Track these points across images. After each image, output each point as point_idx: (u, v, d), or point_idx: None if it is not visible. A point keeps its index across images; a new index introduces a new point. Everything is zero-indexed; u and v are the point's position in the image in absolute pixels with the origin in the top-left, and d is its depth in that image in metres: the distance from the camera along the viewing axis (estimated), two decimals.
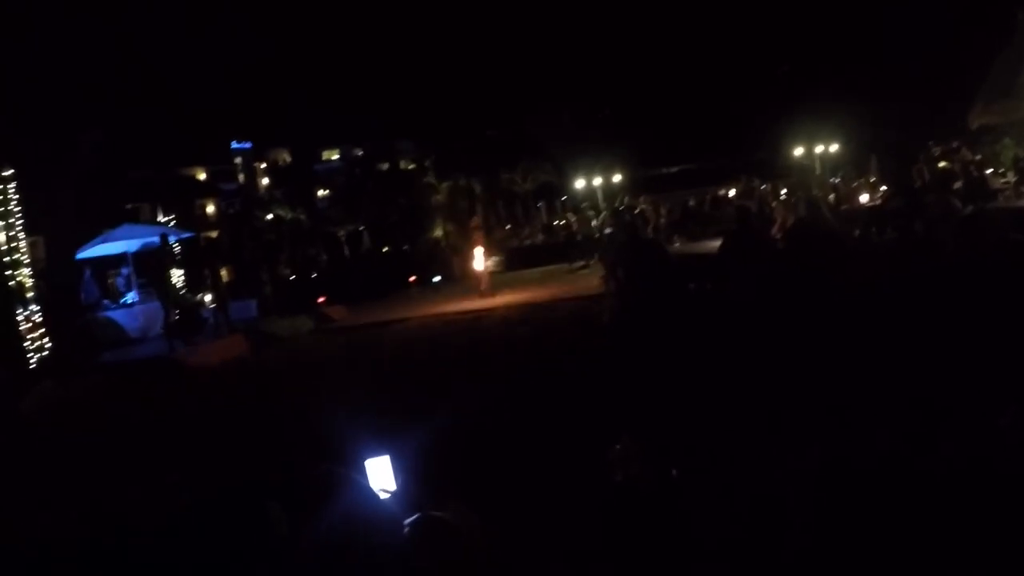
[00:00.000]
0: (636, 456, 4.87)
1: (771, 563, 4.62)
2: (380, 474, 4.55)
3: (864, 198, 24.67)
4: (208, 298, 24.88)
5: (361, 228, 44.90)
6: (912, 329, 8.91)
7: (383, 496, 4.35)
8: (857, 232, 18.08)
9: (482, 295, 21.99)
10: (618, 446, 4.94)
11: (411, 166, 53.72)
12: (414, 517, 3.81)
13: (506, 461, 7.42)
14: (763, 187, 32.27)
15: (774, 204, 24.18)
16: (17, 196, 20.28)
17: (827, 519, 4.41)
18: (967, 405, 5.64)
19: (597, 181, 39.24)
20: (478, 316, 19.37)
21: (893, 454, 4.75)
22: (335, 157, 73.46)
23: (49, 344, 19.32)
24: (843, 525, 4.34)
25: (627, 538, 4.66)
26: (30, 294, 19.52)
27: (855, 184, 27.31)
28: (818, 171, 34.65)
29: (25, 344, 18.76)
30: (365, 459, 4.59)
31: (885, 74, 37.98)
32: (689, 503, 4.84)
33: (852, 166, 33.37)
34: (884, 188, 25.26)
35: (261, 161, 74.86)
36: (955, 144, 30.30)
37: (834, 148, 36.78)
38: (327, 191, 61.29)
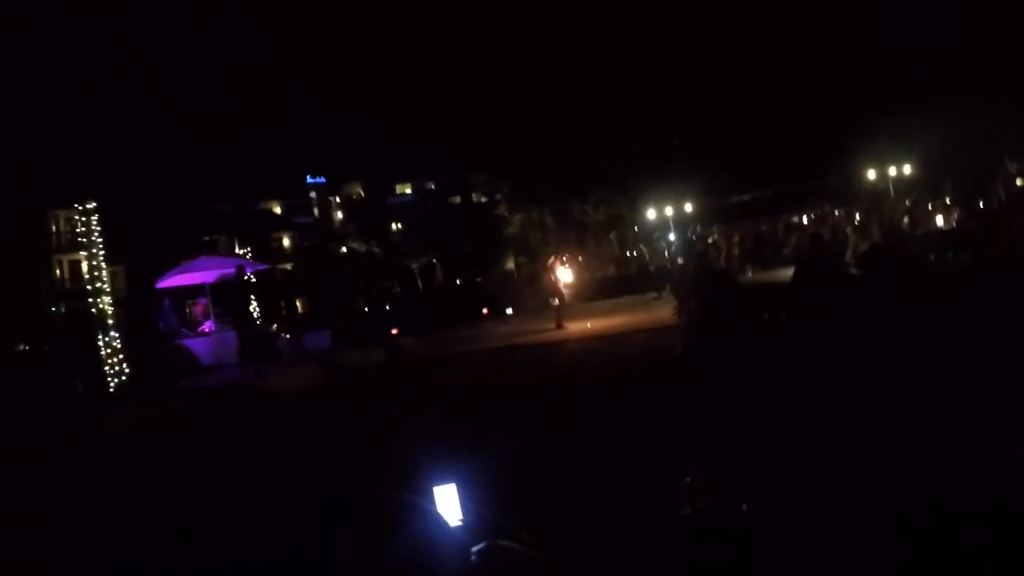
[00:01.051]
0: (706, 489, 4.80)
1: None
2: (447, 502, 4.55)
3: (939, 220, 24.25)
4: (283, 328, 25.20)
5: (434, 261, 45.20)
6: (990, 353, 8.69)
7: (455, 524, 4.36)
8: (933, 255, 17.72)
9: (556, 327, 21.93)
10: (688, 478, 4.88)
11: (483, 199, 54.05)
12: (481, 545, 3.80)
13: (575, 491, 7.35)
14: (836, 213, 31.91)
15: (848, 230, 23.89)
16: (99, 228, 20.81)
17: (900, 552, 4.32)
18: None
19: (669, 211, 39.05)
20: (550, 347, 19.31)
21: (967, 485, 4.64)
22: (408, 191, 74.23)
23: (128, 370, 19.71)
24: (916, 558, 4.24)
25: (697, 572, 4.60)
26: (110, 321, 19.95)
27: (930, 206, 26.87)
28: (891, 194, 34.08)
29: (105, 369, 19.18)
30: (433, 487, 4.59)
31: (957, 92, 37.28)
32: (760, 536, 4.75)
33: (926, 188, 32.79)
34: (959, 210, 24.82)
35: (335, 195, 75.90)
36: None
37: (907, 170, 36.14)
38: (400, 224, 61.87)
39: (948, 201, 28.13)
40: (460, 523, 4.47)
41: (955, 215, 24.51)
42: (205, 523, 5.40)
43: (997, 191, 24.32)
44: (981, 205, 24.00)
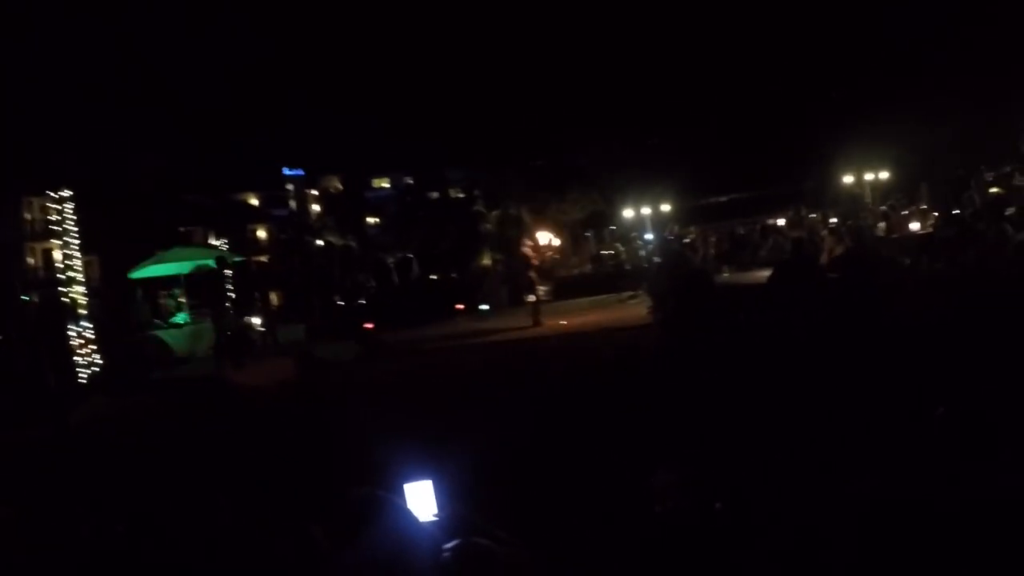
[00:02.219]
0: (679, 487, 4.81)
1: None
2: (422, 499, 4.54)
3: (915, 226, 24.43)
4: (257, 321, 25.06)
5: (410, 255, 45.08)
6: (963, 359, 8.77)
7: (427, 520, 4.35)
8: (908, 261, 17.85)
9: (532, 324, 21.92)
10: (661, 476, 4.89)
11: (460, 194, 53.91)
12: (454, 542, 3.79)
13: (549, 488, 7.36)
14: (812, 215, 32.09)
15: (823, 233, 24.02)
16: (75, 217, 20.63)
17: (873, 556, 4.33)
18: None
19: (646, 210, 39.18)
20: (525, 344, 19.28)
21: (941, 487, 4.65)
22: (385, 185, 73.95)
23: (100, 361, 19.55)
24: (889, 562, 4.26)
25: (667, 571, 4.61)
26: (83, 311, 19.79)
27: (905, 212, 27.05)
28: (868, 199, 34.28)
29: (76, 359, 19.01)
30: (407, 483, 4.58)
31: (936, 98, 37.52)
32: (732, 537, 4.76)
33: (902, 193, 33.00)
34: (935, 215, 24.98)
35: (312, 188, 75.57)
36: (1008, 169, 29.90)
37: (884, 175, 36.34)
38: (377, 218, 61.69)
39: (923, 207, 28.35)
40: (434, 519, 4.46)
41: (930, 221, 24.69)
42: (175, 520, 5.35)
43: (973, 198, 24.48)
44: (957, 211, 24.14)
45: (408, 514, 4.06)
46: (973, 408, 4.58)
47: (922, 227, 24.27)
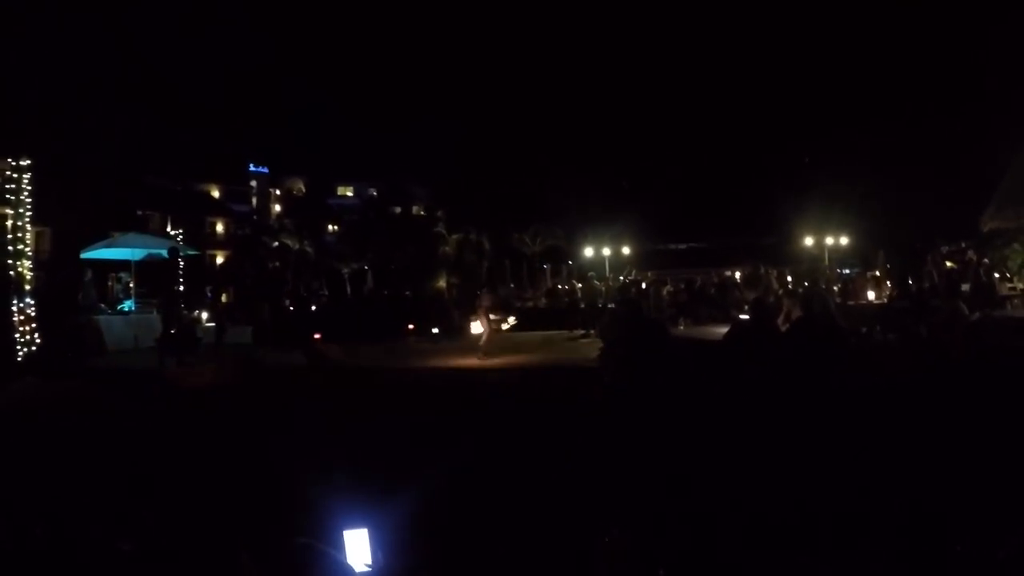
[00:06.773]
0: (624, 553, 4.71)
1: None
2: (358, 547, 4.41)
3: (871, 295, 24.80)
4: (204, 316, 24.67)
5: (366, 268, 44.86)
6: (909, 436, 8.74)
7: (362, 571, 4.24)
8: (864, 330, 17.97)
9: (481, 356, 21.64)
10: (607, 539, 4.79)
11: (422, 212, 53.89)
12: None
13: (489, 542, 7.16)
14: (770, 273, 32.39)
15: (781, 292, 24.19)
16: (30, 187, 20.17)
17: None
18: (964, 530, 5.45)
19: (606, 251, 39.31)
20: (474, 377, 18.94)
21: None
22: (349, 193, 73.77)
23: (39, 340, 19.08)
24: None
25: None
26: (28, 286, 19.33)
27: (862, 280, 27.52)
28: (826, 262, 34.75)
29: (15, 336, 18.53)
30: (344, 530, 4.45)
31: (899, 172, 38.24)
32: None
33: (860, 259, 33.49)
34: (891, 286, 25.36)
35: (276, 187, 75.20)
36: (963, 245, 30.44)
37: (844, 241, 36.86)
38: (337, 226, 61.46)
39: (878, 274, 28.77)
40: (367, 569, 4.33)
41: (886, 291, 25.04)
42: (96, 530, 5.13)
43: (931, 271, 24.83)
44: (911, 281, 24.49)
45: (344, 567, 3.94)
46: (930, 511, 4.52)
47: (877, 296, 24.63)
